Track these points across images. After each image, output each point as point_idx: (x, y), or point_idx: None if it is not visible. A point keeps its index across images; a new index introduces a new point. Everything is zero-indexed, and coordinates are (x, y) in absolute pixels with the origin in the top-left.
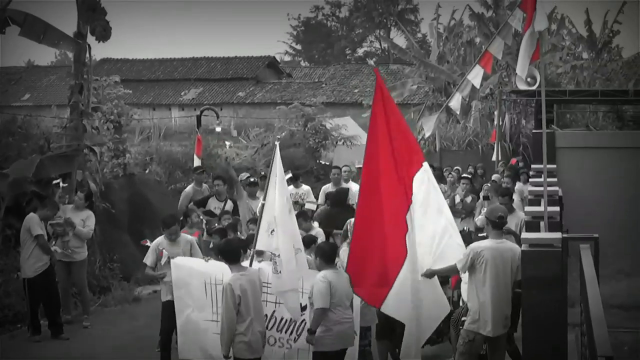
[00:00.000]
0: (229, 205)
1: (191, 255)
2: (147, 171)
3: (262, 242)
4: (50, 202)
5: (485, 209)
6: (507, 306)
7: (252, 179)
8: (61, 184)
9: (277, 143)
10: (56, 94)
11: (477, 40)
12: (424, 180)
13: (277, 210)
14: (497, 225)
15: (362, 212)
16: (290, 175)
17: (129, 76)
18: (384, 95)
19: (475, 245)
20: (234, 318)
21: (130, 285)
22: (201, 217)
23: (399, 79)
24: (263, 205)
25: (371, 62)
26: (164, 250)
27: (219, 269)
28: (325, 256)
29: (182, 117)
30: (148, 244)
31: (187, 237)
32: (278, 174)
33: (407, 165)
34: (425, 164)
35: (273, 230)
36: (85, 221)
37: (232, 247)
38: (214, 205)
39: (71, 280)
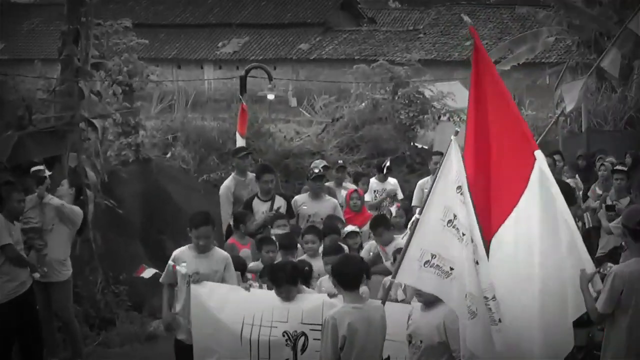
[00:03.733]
0: (279, 204)
1: (223, 281)
2: (168, 155)
3: (407, 273)
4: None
5: None
6: None
7: (319, 170)
8: (47, 172)
9: (453, 138)
10: (41, 44)
11: None
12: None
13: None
14: None
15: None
16: (387, 163)
17: (145, 20)
18: (483, 60)
19: (620, 269)
20: None
21: (142, 317)
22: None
23: (528, 28)
24: (417, 221)
25: (465, 17)
26: (179, 266)
27: (265, 304)
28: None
29: (218, 79)
30: (144, 273)
31: (222, 253)
32: (451, 178)
33: (515, 156)
34: (539, 154)
35: (427, 261)
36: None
37: (353, 269)
38: (259, 207)
39: (52, 309)
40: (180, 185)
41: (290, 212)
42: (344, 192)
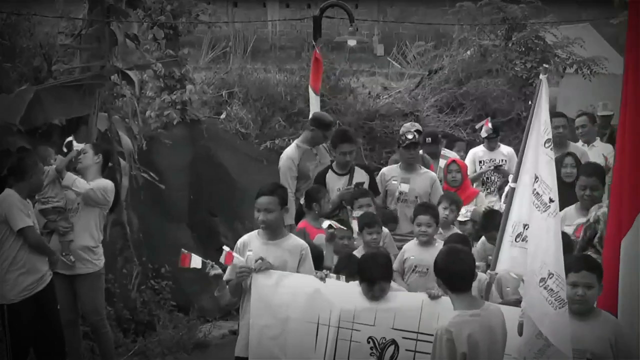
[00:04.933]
0: (360, 178)
1: (297, 271)
2: (222, 116)
3: (508, 257)
4: (36, 167)
5: None
6: None
7: (414, 135)
8: (73, 139)
9: (543, 77)
10: None
11: None
12: None
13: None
14: None
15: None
16: (486, 125)
17: None
18: None
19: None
20: None
21: (189, 321)
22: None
23: None
24: (512, 190)
25: None
26: (237, 255)
27: (346, 300)
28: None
29: (286, 21)
30: (192, 263)
31: (297, 241)
32: (540, 129)
33: None
34: None
35: (520, 234)
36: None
37: (464, 265)
38: (334, 182)
39: (78, 309)
40: (237, 154)
41: (375, 188)
42: (442, 163)
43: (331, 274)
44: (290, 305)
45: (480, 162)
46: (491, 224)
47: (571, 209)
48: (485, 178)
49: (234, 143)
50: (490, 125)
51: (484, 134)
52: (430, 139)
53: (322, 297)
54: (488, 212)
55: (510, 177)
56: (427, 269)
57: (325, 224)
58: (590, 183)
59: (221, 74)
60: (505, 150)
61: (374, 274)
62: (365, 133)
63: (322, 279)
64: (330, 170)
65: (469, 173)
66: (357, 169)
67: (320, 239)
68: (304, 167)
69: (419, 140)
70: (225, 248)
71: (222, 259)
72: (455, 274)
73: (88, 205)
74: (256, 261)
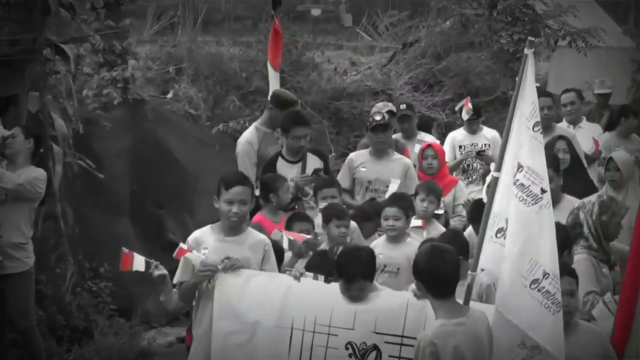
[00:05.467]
0: (314, 165)
1: (261, 269)
2: (169, 95)
3: (488, 255)
4: None
5: None
6: None
7: (384, 117)
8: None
9: (528, 51)
10: None
11: None
12: None
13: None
14: None
15: None
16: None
17: None
18: None
19: None
20: None
21: (132, 327)
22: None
23: None
24: (495, 180)
25: None
26: (196, 252)
27: (322, 301)
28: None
29: None
30: (134, 265)
31: (258, 236)
32: (525, 110)
33: None
34: None
35: (501, 229)
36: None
37: (449, 267)
38: (286, 172)
39: (5, 314)
40: (186, 138)
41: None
42: (417, 148)
43: (307, 273)
44: (260, 308)
45: (460, 147)
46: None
47: None
48: (466, 165)
49: (182, 126)
50: (470, 105)
51: (464, 115)
52: (405, 107)
53: (297, 299)
54: (477, 202)
55: (493, 166)
56: (398, 269)
57: (279, 235)
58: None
59: (168, 47)
60: (489, 133)
61: (353, 270)
62: (330, 114)
63: (297, 278)
64: (280, 157)
65: (447, 159)
66: (309, 154)
67: (279, 234)
68: (265, 153)
69: (390, 122)
70: (183, 245)
71: (175, 254)
72: (438, 276)
73: (17, 200)
74: (222, 260)
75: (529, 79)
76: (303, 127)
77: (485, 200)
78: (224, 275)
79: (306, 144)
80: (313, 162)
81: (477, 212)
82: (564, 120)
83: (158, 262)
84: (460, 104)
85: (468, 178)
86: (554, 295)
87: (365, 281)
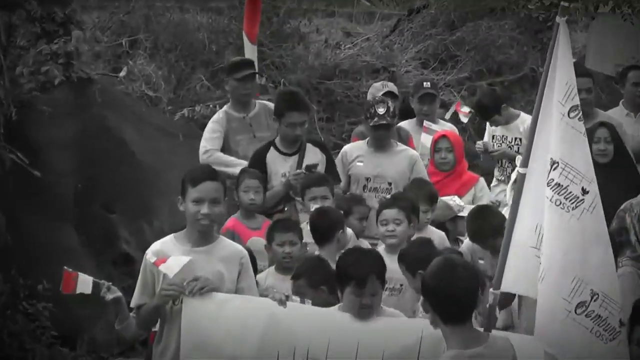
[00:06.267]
0: (313, 159)
1: (237, 287)
2: (122, 73)
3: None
4: None
5: None
6: None
7: (385, 109)
8: None
9: (560, 19)
10: None
11: None
12: None
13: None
14: None
15: None
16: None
17: None
18: None
19: None
20: None
21: (78, 357)
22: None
23: None
24: (521, 177)
25: None
26: (164, 264)
27: (315, 328)
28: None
29: None
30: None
31: (233, 246)
32: (565, 90)
33: None
34: None
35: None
36: None
37: (462, 288)
38: (278, 165)
39: None
40: (142, 125)
41: (334, 173)
42: (425, 139)
43: (293, 297)
44: (238, 340)
45: (493, 137)
46: (485, 226)
47: None
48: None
49: (138, 111)
50: (466, 109)
51: (463, 120)
52: (429, 86)
53: (282, 327)
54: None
55: (519, 160)
56: (402, 285)
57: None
58: None
59: (120, 15)
60: (524, 123)
61: (365, 268)
62: (320, 97)
63: (282, 302)
64: (272, 147)
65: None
66: (309, 146)
67: (255, 242)
68: (234, 141)
69: (395, 113)
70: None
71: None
72: (448, 297)
73: None
74: (189, 282)
75: (562, 53)
76: (299, 112)
77: (508, 200)
78: (190, 300)
79: (304, 132)
80: (312, 156)
81: (478, 224)
82: (620, 104)
83: (110, 283)
84: (450, 111)
85: (502, 175)
86: (605, 320)
87: (379, 284)
